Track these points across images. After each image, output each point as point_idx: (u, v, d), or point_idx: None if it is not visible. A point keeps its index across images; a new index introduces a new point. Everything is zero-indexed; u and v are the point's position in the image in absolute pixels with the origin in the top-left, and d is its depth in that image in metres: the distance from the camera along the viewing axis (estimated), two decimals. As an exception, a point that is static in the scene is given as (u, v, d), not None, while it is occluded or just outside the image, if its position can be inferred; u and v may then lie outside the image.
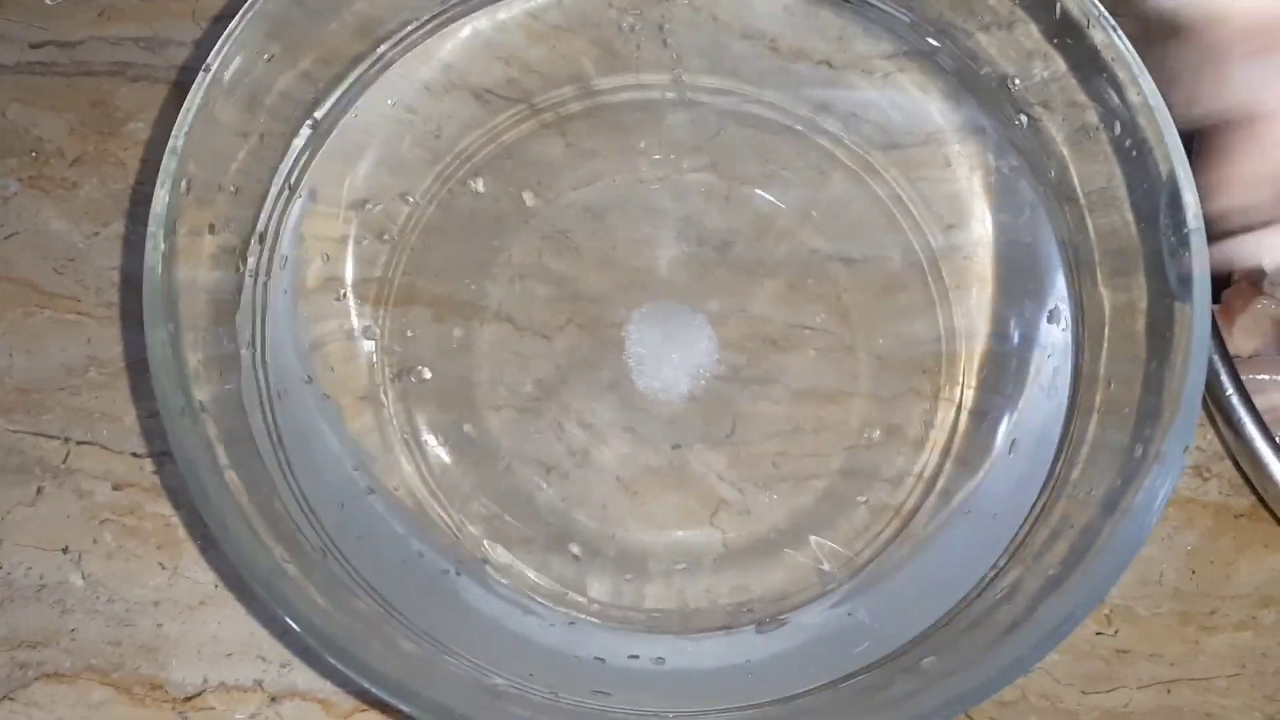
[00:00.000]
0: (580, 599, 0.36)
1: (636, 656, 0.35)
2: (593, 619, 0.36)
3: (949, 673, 0.29)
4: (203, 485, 0.30)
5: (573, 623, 0.36)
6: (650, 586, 0.37)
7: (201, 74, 0.32)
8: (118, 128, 0.42)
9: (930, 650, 0.31)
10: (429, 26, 0.39)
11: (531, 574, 0.36)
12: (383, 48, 0.38)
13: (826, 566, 0.36)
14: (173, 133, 0.32)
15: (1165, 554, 0.39)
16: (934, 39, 0.38)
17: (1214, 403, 0.36)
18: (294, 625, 0.30)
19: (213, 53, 0.32)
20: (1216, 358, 0.35)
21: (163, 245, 0.31)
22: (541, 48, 0.40)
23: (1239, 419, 0.35)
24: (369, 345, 0.38)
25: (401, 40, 0.38)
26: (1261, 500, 0.39)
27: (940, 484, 0.36)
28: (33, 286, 0.41)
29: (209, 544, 0.38)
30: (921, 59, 0.38)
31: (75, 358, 0.40)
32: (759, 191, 0.39)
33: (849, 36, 0.39)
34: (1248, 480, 0.39)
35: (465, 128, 0.39)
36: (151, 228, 0.31)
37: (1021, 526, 0.33)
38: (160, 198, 0.31)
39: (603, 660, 0.35)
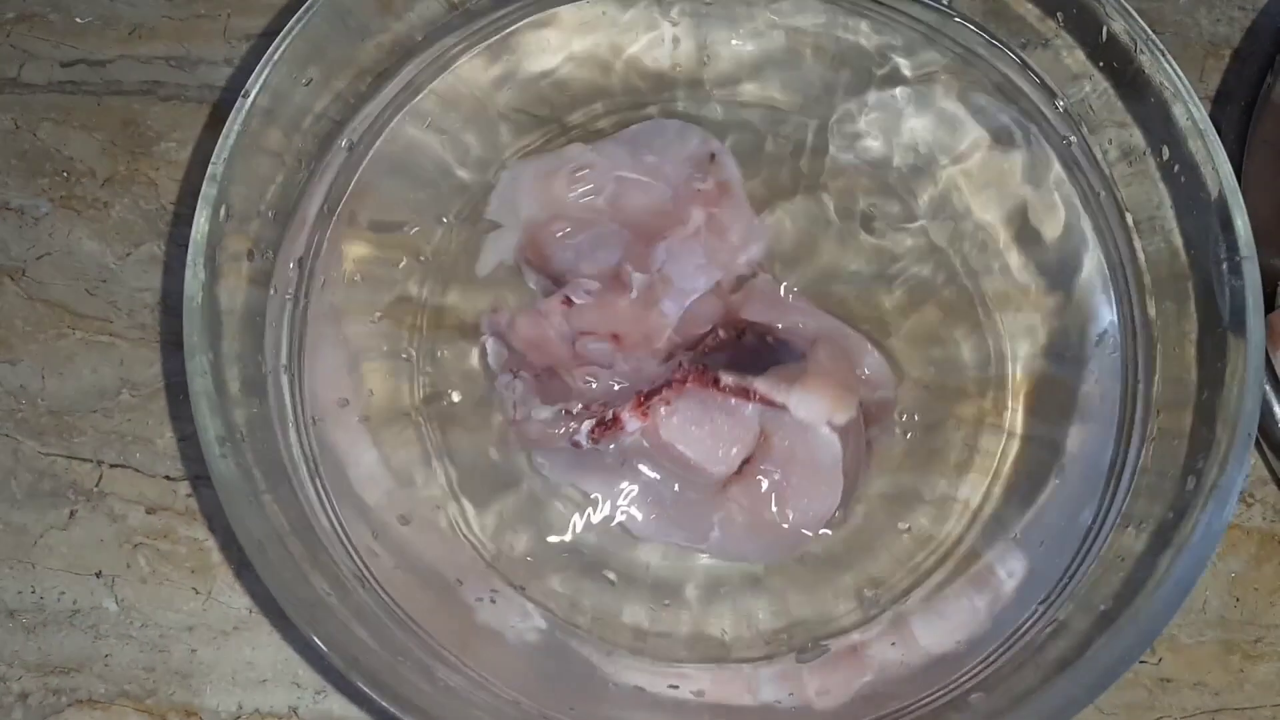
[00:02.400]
0: (617, 626, 0.36)
1: (676, 686, 0.34)
2: (630, 647, 0.35)
3: (998, 711, 0.29)
4: (241, 513, 0.30)
5: (610, 652, 0.35)
6: (686, 612, 0.36)
7: (241, 99, 0.32)
8: (149, 147, 0.42)
9: (979, 686, 0.31)
10: (461, 47, 0.38)
11: (568, 601, 0.36)
12: (416, 69, 0.38)
13: (870, 592, 0.36)
14: (212, 159, 0.32)
15: (1209, 581, 0.38)
16: (978, 57, 0.37)
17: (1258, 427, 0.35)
18: (333, 658, 0.29)
19: (253, 76, 0.32)
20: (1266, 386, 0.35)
21: (203, 272, 0.31)
22: (572, 66, 0.39)
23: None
24: (404, 368, 0.37)
25: (434, 62, 0.38)
26: (1306, 526, 0.39)
27: (986, 511, 0.36)
28: (64, 308, 0.41)
29: (243, 568, 0.38)
30: (965, 78, 0.38)
31: (107, 380, 0.40)
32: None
33: (890, 52, 0.38)
34: (1292, 506, 0.39)
35: (498, 147, 0.39)
36: (191, 254, 0.31)
37: (1071, 558, 0.33)
38: (200, 224, 0.31)
39: (642, 690, 0.34)
